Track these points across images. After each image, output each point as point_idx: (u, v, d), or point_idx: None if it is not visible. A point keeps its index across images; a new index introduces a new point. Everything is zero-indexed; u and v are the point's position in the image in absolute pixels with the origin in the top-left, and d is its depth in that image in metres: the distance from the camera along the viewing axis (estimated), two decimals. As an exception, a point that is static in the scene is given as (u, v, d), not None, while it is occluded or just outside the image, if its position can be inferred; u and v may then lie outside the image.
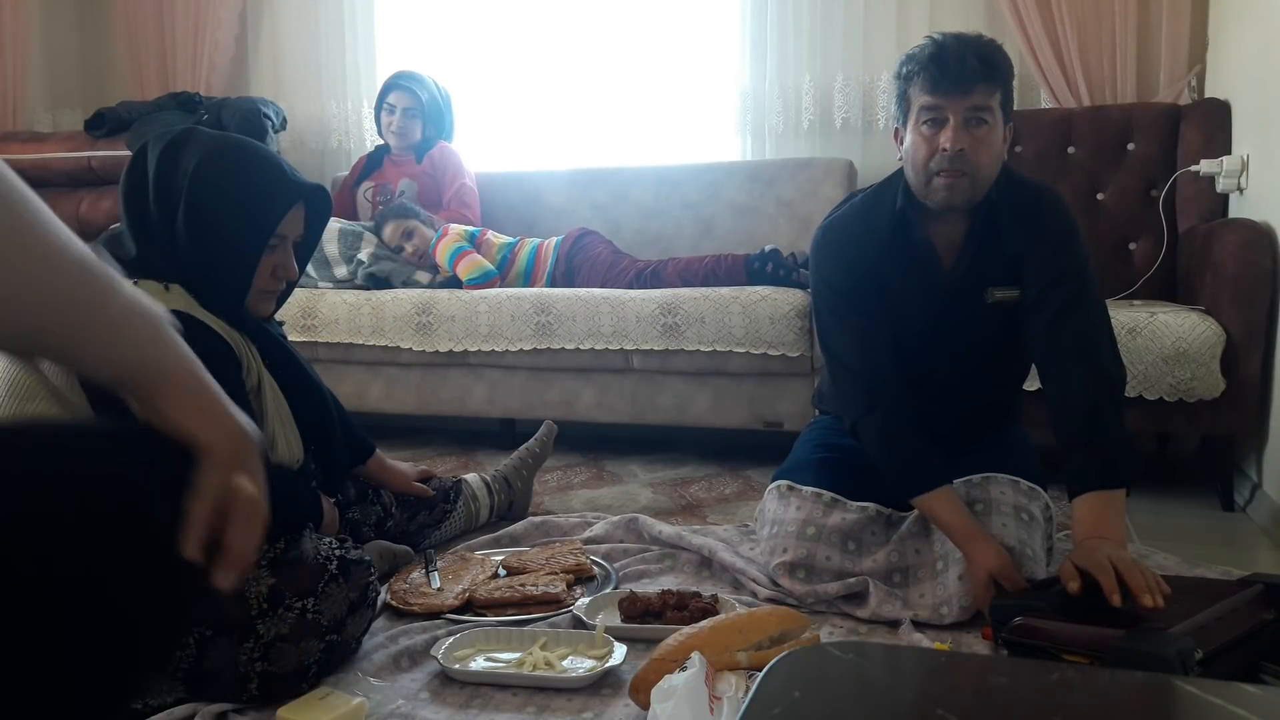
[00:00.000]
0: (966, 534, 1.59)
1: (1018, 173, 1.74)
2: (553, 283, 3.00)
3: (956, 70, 1.55)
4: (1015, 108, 3.13)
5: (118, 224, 1.44)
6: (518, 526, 2.08)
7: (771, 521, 1.78)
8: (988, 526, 1.62)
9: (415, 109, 3.33)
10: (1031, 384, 1.98)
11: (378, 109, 3.40)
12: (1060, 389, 1.62)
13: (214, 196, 1.39)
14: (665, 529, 1.98)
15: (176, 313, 1.31)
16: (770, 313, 2.55)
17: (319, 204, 1.55)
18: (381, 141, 3.48)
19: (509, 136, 3.68)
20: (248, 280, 1.46)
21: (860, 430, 1.71)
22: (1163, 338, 2.19)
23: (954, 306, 1.72)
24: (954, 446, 1.76)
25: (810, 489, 1.77)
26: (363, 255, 3.03)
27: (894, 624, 1.59)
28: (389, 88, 3.36)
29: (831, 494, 1.76)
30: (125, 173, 1.43)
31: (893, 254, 1.72)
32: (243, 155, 1.44)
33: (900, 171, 1.71)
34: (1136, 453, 1.58)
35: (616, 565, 1.85)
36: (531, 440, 2.31)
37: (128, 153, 3.22)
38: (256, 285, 1.47)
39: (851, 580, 1.66)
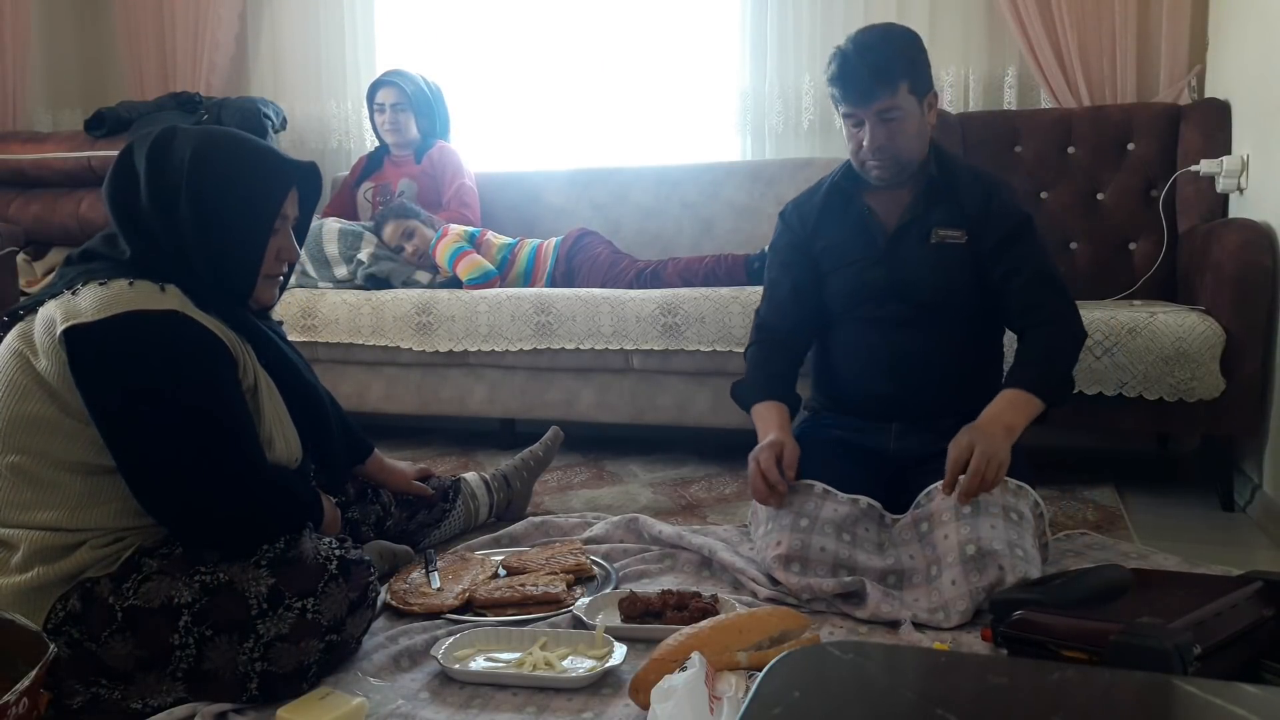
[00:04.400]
0: (764, 431, 1.84)
1: (949, 152, 1.98)
2: (553, 283, 3.00)
3: (856, 87, 1.80)
4: (1015, 106, 3.14)
5: None
6: (518, 526, 2.08)
7: (766, 518, 1.79)
8: (977, 528, 1.63)
9: (403, 103, 3.33)
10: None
11: (370, 113, 3.41)
12: (1028, 337, 1.86)
13: (217, 186, 1.39)
14: (665, 529, 1.98)
15: (172, 313, 1.33)
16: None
17: (310, 182, 1.55)
18: (380, 143, 3.48)
19: (509, 136, 3.68)
20: (257, 266, 1.47)
21: (747, 355, 2.05)
22: (1163, 338, 2.19)
23: (899, 247, 1.91)
24: (936, 412, 1.86)
25: (802, 481, 1.78)
26: (363, 255, 3.03)
27: (894, 624, 1.59)
28: (375, 87, 3.37)
29: (823, 485, 1.77)
30: (111, 176, 1.42)
31: (835, 214, 1.97)
32: (237, 142, 1.45)
33: None
34: (1070, 390, 1.86)
35: (616, 565, 1.85)
36: (537, 444, 2.30)
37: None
38: (263, 270, 1.48)
39: (848, 579, 1.66)
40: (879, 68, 1.78)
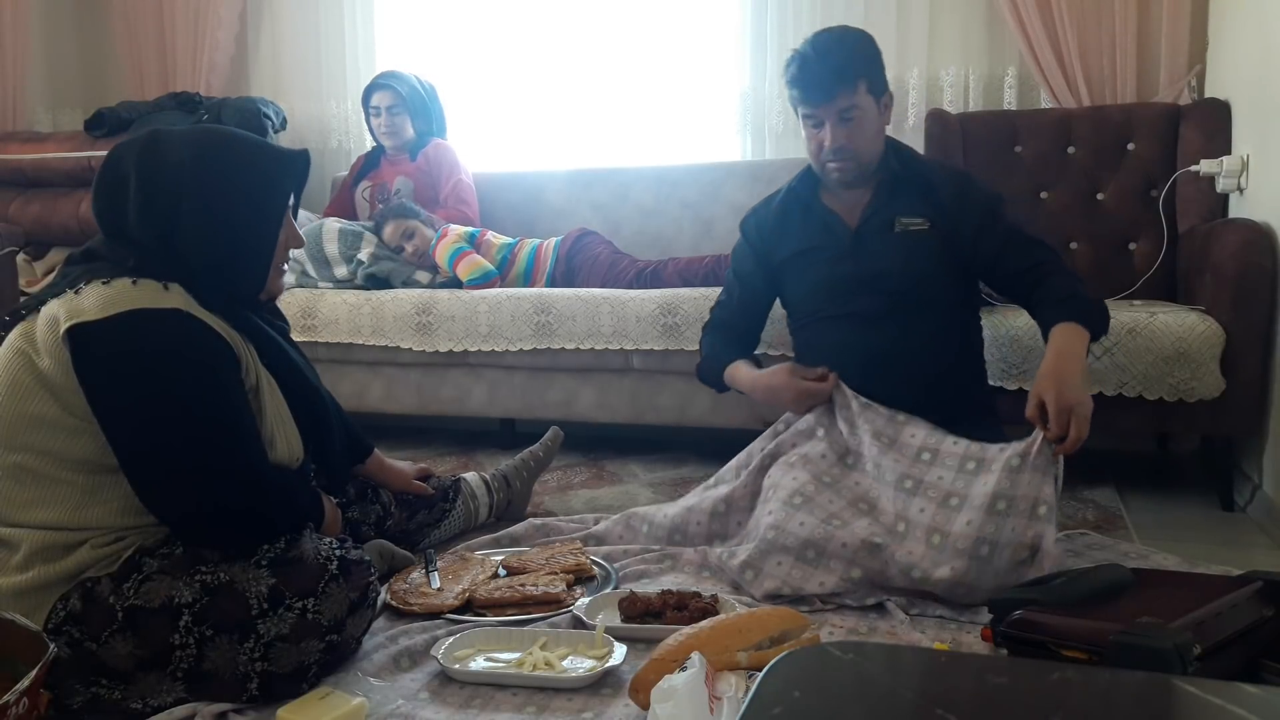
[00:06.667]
0: (749, 376, 1.97)
1: (909, 148, 2.05)
2: (553, 283, 3.00)
3: (816, 86, 1.88)
4: (1015, 106, 3.14)
5: None
6: (518, 527, 2.08)
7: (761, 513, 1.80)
8: (1016, 484, 1.63)
9: (399, 105, 3.33)
10: (1015, 384, 2.12)
11: (366, 116, 3.41)
12: (1043, 286, 1.85)
13: (224, 187, 1.39)
14: (670, 510, 1.99)
15: (175, 312, 1.32)
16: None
17: (302, 168, 1.55)
18: (377, 143, 3.48)
19: (508, 136, 3.68)
20: (269, 262, 1.47)
21: (702, 342, 2.18)
22: (1162, 338, 2.19)
23: (864, 239, 1.96)
24: (913, 411, 1.84)
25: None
26: (363, 255, 3.03)
27: (881, 606, 1.64)
28: (369, 91, 3.36)
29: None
30: (97, 188, 1.41)
31: (794, 220, 2.04)
32: (237, 141, 1.45)
33: None
34: (1107, 318, 1.83)
35: (616, 565, 1.85)
36: (537, 445, 2.30)
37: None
38: (274, 262, 1.49)
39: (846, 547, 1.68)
40: (838, 67, 1.86)
